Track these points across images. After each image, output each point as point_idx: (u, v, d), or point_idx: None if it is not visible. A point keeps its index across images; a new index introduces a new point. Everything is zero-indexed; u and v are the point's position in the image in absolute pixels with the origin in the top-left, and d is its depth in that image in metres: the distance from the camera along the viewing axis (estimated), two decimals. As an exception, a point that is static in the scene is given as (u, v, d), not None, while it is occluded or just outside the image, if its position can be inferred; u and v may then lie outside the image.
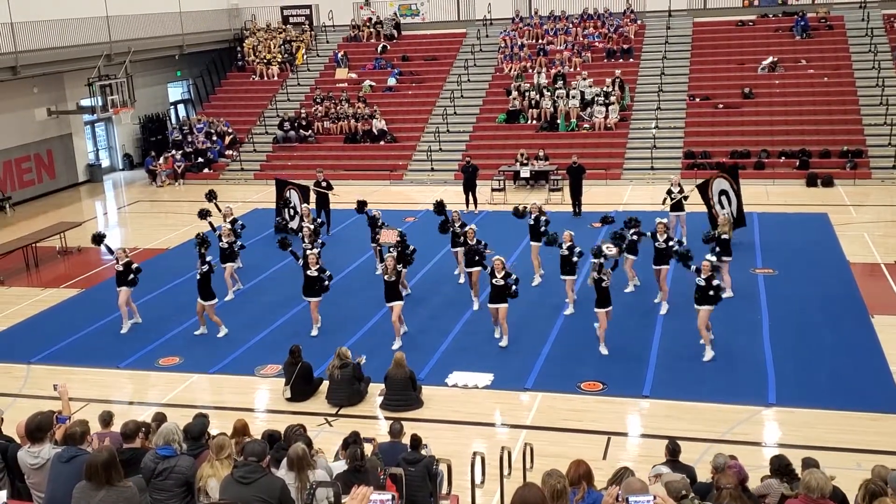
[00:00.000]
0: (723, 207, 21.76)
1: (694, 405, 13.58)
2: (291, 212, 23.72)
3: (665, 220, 17.60)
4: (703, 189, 21.98)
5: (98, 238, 18.31)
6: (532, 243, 19.38)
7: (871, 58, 32.80)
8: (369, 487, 5.63)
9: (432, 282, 19.89)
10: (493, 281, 15.73)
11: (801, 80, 32.80)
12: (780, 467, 8.95)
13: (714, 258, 15.32)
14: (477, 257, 17.52)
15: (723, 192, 22.00)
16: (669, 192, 21.76)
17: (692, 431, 12.59)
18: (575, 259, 17.13)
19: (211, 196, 22.10)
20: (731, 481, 8.12)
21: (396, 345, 16.06)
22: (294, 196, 24.06)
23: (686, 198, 21.67)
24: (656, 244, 17.31)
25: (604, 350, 15.49)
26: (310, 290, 16.82)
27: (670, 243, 17.08)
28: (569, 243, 17.18)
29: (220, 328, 17.21)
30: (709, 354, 15.04)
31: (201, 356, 16.27)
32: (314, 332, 16.89)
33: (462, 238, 18.38)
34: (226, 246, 19.11)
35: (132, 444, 8.32)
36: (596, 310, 15.49)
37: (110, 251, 18.13)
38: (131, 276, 17.37)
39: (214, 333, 17.20)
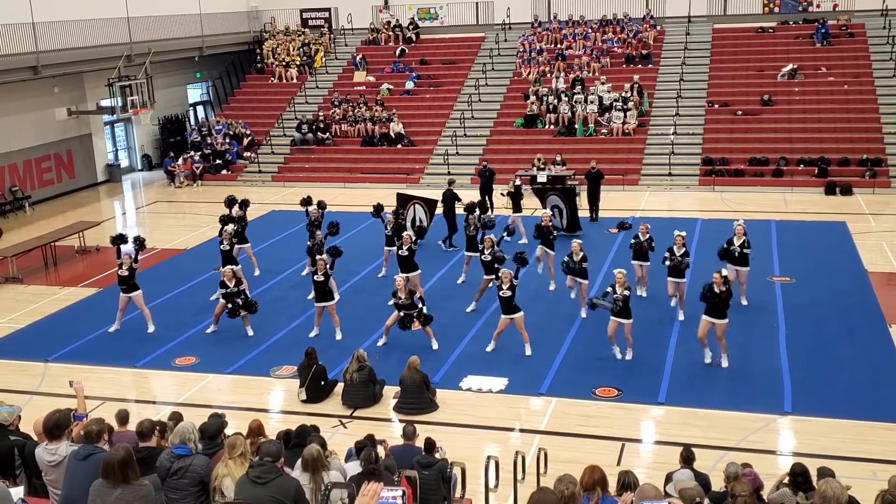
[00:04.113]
0: (553, 217, 21.63)
1: (709, 412, 13.53)
2: (416, 225, 22.10)
3: (683, 233, 17.42)
4: (540, 196, 23.81)
5: (118, 239, 18.08)
6: (549, 251, 19.24)
7: (892, 66, 32.63)
8: (379, 483, 5.65)
9: (446, 286, 19.90)
10: (501, 293, 15.68)
11: (820, 88, 32.65)
12: (799, 478, 8.87)
13: (726, 272, 15.23)
14: (496, 265, 17.32)
15: (555, 207, 23.51)
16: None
17: (707, 439, 12.55)
18: (585, 265, 17.15)
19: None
20: (745, 489, 8.09)
21: (381, 342, 16.44)
22: (419, 211, 22.77)
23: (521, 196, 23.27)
24: (672, 257, 17.09)
25: (621, 354, 15.51)
26: (318, 296, 16.93)
27: (688, 258, 17.07)
28: (580, 254, 17.17)
29: (247, 328, 17.30)
30: (725, 361, 14.99)
31: (217, 356, 16.34)
32: (338, 336, 16.94)
33: (481, 245, 18.32)
34: (227, 247, 19.10)
35: (147, 442, 8.36)
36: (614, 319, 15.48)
37: (119, 255, 17.52)
38: (134, 280, 17.40)
39: (230, 333, 17.27)
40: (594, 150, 30.49)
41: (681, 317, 17.18)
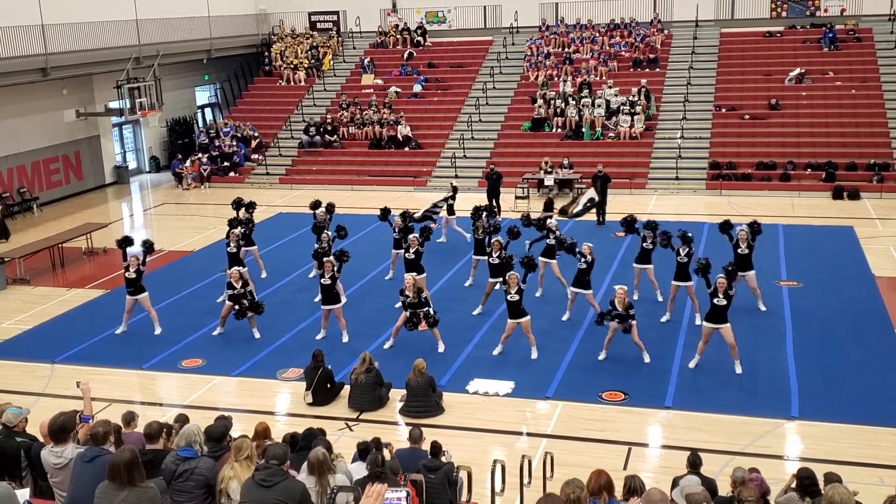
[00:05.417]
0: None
1: (716, 417, 13.50)
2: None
3: (689, 235, 17.39)
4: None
5: (124, 242, 18.19)
6: (551, 261, 18.96)
7: (901, 70, 32.57)
8: (384, 484, 5.65)
9: (454, 289, 19.90)
10: (508, 297, 15.63)
11: (828, 92, 32.59)
12: (806, 482, 8.85)
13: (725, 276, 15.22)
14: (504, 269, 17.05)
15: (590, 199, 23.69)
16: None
17: (713, 443, 12.52)
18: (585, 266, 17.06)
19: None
20: (752, 494, 8.08)
21: (388, 343, 16.52)
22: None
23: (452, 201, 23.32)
24: (678, 259, 17.11)
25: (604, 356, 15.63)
26: (324, 298, 16.95)
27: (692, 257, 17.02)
28: (589, 257, 17.10)
29: (253, 330, 17.30)
30: (739, 368, 14.91)
31: (224, 358, 16.35)
32: (344, 338, 16.92)
33: (488, 248, 18.31)
34: (234, 250, 19.11)
35: (155, 444, 8.36)
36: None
37: (125, 258, 17.67)
38: (141, 283, 17.44)
39: (237, 335, 17.29)
40: (601, 154, 30.49)
41: (697, 321, 16.97)
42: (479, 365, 15.66)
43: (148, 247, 17.98)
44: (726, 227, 17.80)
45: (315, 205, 21.07)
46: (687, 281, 17.14)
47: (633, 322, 15.20)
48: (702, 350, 15.09)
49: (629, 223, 18.47)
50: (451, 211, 23.36)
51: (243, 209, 20.88)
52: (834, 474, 8.69)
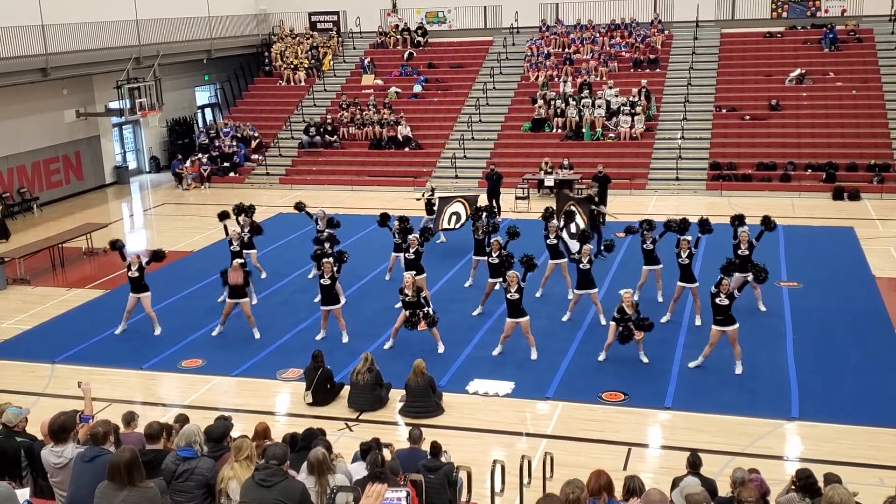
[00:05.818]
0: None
1: (716, 417, 13.50)
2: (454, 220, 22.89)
3: (689, 238, 17.39)
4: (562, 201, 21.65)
5: (116, 244, 18.27)
6: (561, 261, 18.97)
7: (901, 71, 32.56)
8: (384, 485, 5.65)
9: (453, 289, 19.89)
10: (508, 296, 15.62)
11: (828, 93, 32.59)
12: (806, 482, 8.86)
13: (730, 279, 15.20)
14: (504, 269, 16.86)
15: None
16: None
17: (713, 444, 12.52)
18: (588, 265, 17.05)
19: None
20: (752, 495, 8.08)
21: (388, 344, 16.51)
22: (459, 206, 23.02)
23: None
24: (679, 261, 17.14)
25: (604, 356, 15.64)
26: (324, 299, 16.95)
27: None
28: (588, 256, 17.10)
29: (253, 330, 17.29)
30: (739, 368, 14.92)
31: (224, 359, 16.34)
32: (344, 339, 16.91)
33: (488, 248, 18.32)
34: (237, 249, 19.10)
35: (155, 444, 8.36)
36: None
37: (124, 258, 17.88)
38: (145, 281, 17.50)
39: (237, 336, 17.28)
40: (601, 154, 30.47)
41: (697, 321, 17.08)
42: (479, 365, 15.65)
43: (158, 257, 18.04)
44: (738, 220, 18.08)
45: (299, 206, 20.93)
46: (692, 283, 17.16)
47: (640, 332, 15.22)
48: (707, 354, 15.06)
49: (635, 225, 18.61)
50: (430, 210, 23.39)
51: (243, 214, 20.85)
52: (834, 475, 8.68)
